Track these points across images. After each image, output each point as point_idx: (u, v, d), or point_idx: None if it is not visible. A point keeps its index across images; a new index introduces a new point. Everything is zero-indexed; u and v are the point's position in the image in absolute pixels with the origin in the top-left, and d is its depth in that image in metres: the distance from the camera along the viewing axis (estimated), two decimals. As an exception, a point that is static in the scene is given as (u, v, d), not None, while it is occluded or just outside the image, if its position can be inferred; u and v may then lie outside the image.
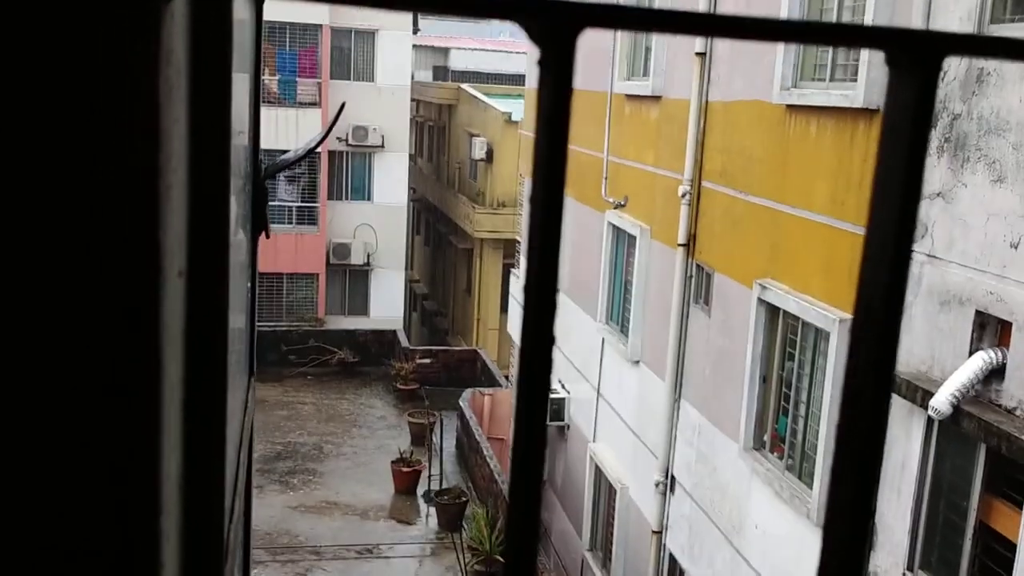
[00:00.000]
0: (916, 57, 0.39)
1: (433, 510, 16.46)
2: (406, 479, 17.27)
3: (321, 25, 25.27)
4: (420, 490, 17.31)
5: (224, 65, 0.60)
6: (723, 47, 9.90)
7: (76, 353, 0.44)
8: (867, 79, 7.29)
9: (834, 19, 8.02)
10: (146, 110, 0.41)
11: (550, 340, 0.40)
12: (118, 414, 0.45)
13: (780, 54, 8.53)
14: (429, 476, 17.28)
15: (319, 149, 24.90)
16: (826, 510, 0.46)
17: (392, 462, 17.52)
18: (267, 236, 1.72)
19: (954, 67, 6.43)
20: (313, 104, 25.20)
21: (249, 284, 1.57)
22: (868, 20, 7.29)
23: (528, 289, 0.39)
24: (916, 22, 6.74)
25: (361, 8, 0.35)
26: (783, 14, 8.47)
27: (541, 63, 0.38)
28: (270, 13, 26.43)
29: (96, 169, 0.42)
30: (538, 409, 0.42)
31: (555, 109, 0.38)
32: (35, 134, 0.41)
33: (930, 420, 6.36)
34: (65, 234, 0.42)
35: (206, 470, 0.69)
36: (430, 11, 0.37)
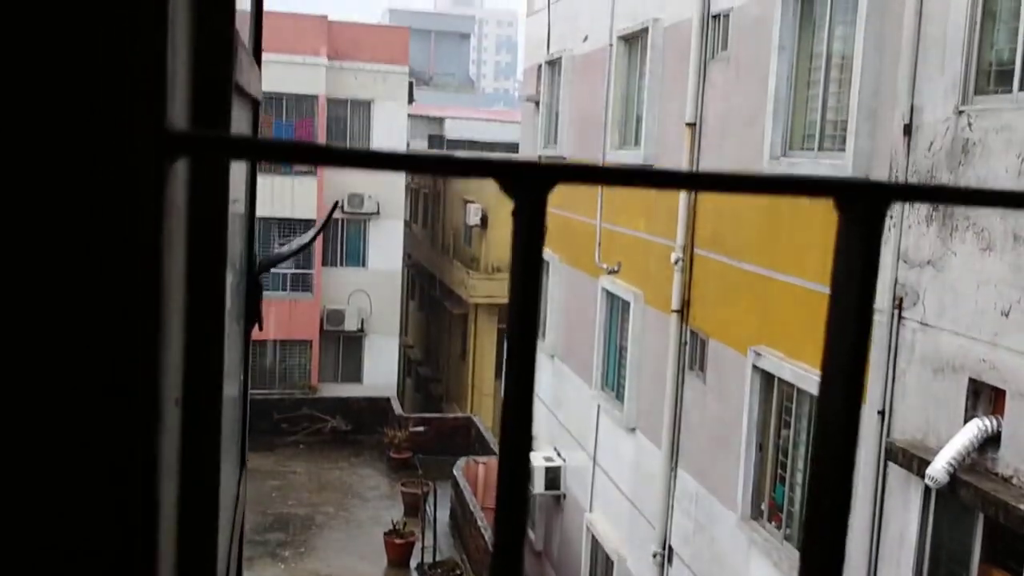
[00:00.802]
0: (862, 205, 0.42)
1: (427, 582, 16.18)
2: (399, 551, 17.00)
3: (317, 96, 25.66)
4: (413, 562, 17.03)
5: (220, 214, 0.63)
6: (713, 116, 10.08)
7: (71, 482, 0.46)
8: (855, 149, 7.42)
9: (820, 93, 8.19)
10: (147, 263, 0.44)
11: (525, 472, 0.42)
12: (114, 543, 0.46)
13: (769, 123, 8.69)
14: (423, 548, 17.01)
15: (315, 217, 25.08)
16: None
17: (385, 533, 17.27)
18: (260, 329, 1.74)
19: (939, 137, 6.55)
20: (309, 173, 25.45)
21: (242, 377, 1.59)
22: (854, 92, 7.44)
23: (503, 427, 0.41)
24: (902, 95, 6.89)
25: (353, 169, 0.37)
26: (770, 89, 8.65)
27: (514, 214, 0.40)
28: (266, 84, 26.86)
29: (97, 316, 0.44)
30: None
31: (527, 255, 0.40)
32: (44, 290, 0.43)
33: (927, 489, 6.33)
34: (74, 373, 0.45)
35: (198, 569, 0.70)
36: (419, 172, 0.39)
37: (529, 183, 0.39)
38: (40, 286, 0.45)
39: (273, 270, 25.90)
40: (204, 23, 0.58)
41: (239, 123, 1.21)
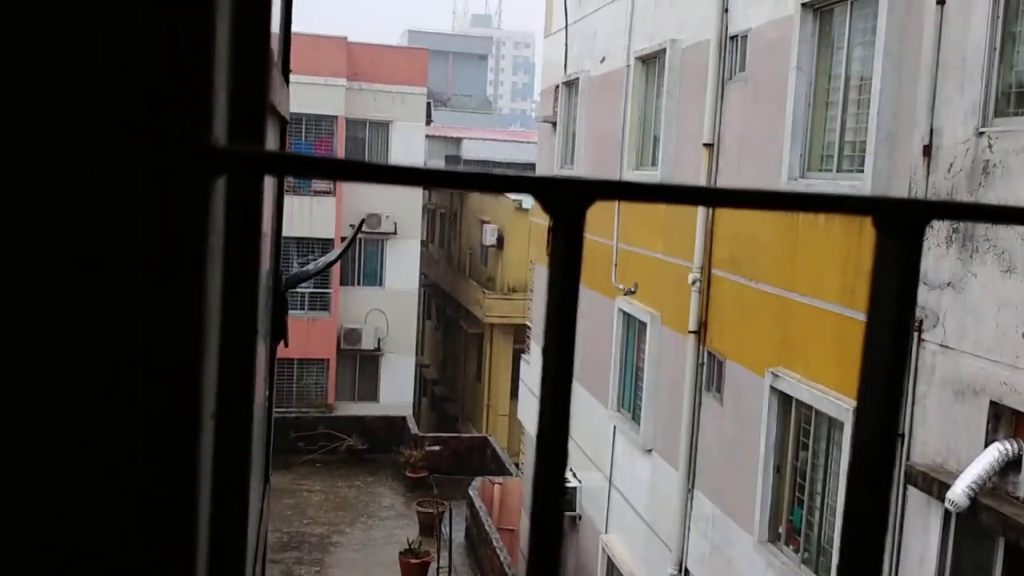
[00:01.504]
0: (901, 223, 0.42)
1: (442, 603, 16.10)
2: (414, 571, 16.93)
3: (337, 116, 25.84)
4: (429, 582, 16.96)
5: (255, 231, 0.64)
6: (731, 137, 10.08)
7: (116, 494, 0.47)
8: (874, 169, 7.39)
9: (839, 114, 8.18)
10: (193, 280, 0.44)
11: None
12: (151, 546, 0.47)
13: (787, 144, 8.68)
14: (438, 568, 16.93)
15: (333, 236, 25.21)
16: None
17: (400, 553, 17.21)
18: (286, 345, 1.75)
19: (959, 158, 6.52)
20: (328, 193, 25.59)
21: (268, 393, 1.59)
22: (873, 113, 7.42)
23: (540, 446, 0.41)
24: (921, 116, 6.87)
25: (389, 185, 0.38)
26: (788, 110, 8.64)
27: (552, 230, 0.41)
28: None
29: (145, 330, 0.45)
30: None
31: (566, 273, 0.40)
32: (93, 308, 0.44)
33: (947, 513, 6.25)
34: (121, 387, 0.45)
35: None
36: (457, 188, 0.40)
37: (568, 199, 0.39)
38: (88, 303, 0.45)
39: (291, 289, 26.01)
40: (242, 42, 0.59)
41: (270, 141, 1.22)
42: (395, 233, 26.75)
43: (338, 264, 26.23)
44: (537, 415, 0.44)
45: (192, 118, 0.44)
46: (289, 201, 24.83)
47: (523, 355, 18.95)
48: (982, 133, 6.29)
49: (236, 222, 0.56)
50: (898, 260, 0.42)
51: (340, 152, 26.01)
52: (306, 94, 25.03)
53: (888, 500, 0.46)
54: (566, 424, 0.41)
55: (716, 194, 0.42)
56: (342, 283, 26.49)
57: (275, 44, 1.62)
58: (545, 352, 0.44)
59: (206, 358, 0.49)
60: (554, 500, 0.41)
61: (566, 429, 0.42)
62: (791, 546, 8.65)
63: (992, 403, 6.04)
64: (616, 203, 12.99)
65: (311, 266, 3.25)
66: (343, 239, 26.20)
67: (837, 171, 8.20)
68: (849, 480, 0.47)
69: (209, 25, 0.45)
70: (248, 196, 0.60)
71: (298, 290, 25.88)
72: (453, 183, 0.39)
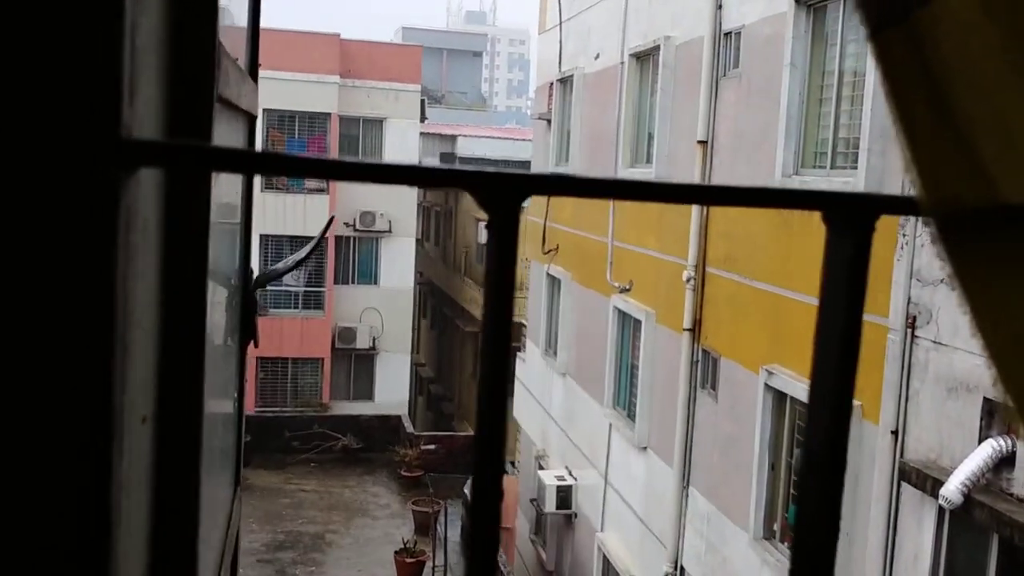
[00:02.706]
0: (850, 218, 0.41)
1: (438, 601, 16.10)
2: (410, 570, 16.92)
3: (330, 114, 25.79)
4: (425, 580, 16.96)
5: (200, 228, 0.62)
6: (725, 134, 10.07)
7: (29, 508, 0.45)
8: (868, 166, 7.38)
9: (832, 110, 8.17)
10: (100, 276, 0.42)
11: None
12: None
13: (781, 141, 8.67)
14: (433, 567, 16.93)
15: (327, 236, 25.17)
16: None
17: (395, 552, 17.20)
18: (256, 346, 1.73)
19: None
20: (320, 191, 25.55)
21: (236, 394, 1.57)
22: (867, 109, 7.42)
23: (478, 441, 0.40)
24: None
25: (317, 179, 0.36)
26: (782, 107, 8.63)
27: (488, 226, 0.39)
28: (279, 102, 26.76)
29: (47, 330, 0.43)
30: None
31: (500, 265, 0.39)
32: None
33: (941, 510, 6.25)
34: (24, 389, 0.43)
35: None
36: (387, 183, 0.38)
37: (501, 194, 0.37)
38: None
39: (285, 288, 25.99)
40: (184, 35, 0.57)
41: (230, 137, 1.20)
42: (390, 231, 26.71)
43: (332, 263, 26.21)
44: (476, 406, 0.42)
45: (97, 110, 0.42)
46: (282, 199, 24.86)
47: (519, 353, 18.96)
48: (974, 129, 6.29)
49: (178, 218, 0.55)
50: (848, 255, 0.41)
51: (334, 150, 25.98)
52: (299, 91, 24.99)
53: (840, 495, 0.45)
54: (504, 412, 0.40)
55: (658, 189, 0.41)
56: (336, 282, 26.45)
57: (241, 40, 1.59)
58: (482, 345, 0.43)
59: (129, 359, 0.47)
60: (492, 498, 0.40)
61: (504, 421, 0.40)
62: (786, 543, 8.65)
63: (986, 399, 6.04)
64: (611, 201, 13.02)
65: (280, 265, 3.23)
66: (336, 237, 26.17)
67: (831, 168, 8.20)
68: (800, 476, 0.46)
69: (116, 15, 0.43)
70: (189, 192, 0.58)
71: (291, 289, 25.85)
72: (379, 177, 0.37)
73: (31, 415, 0.44)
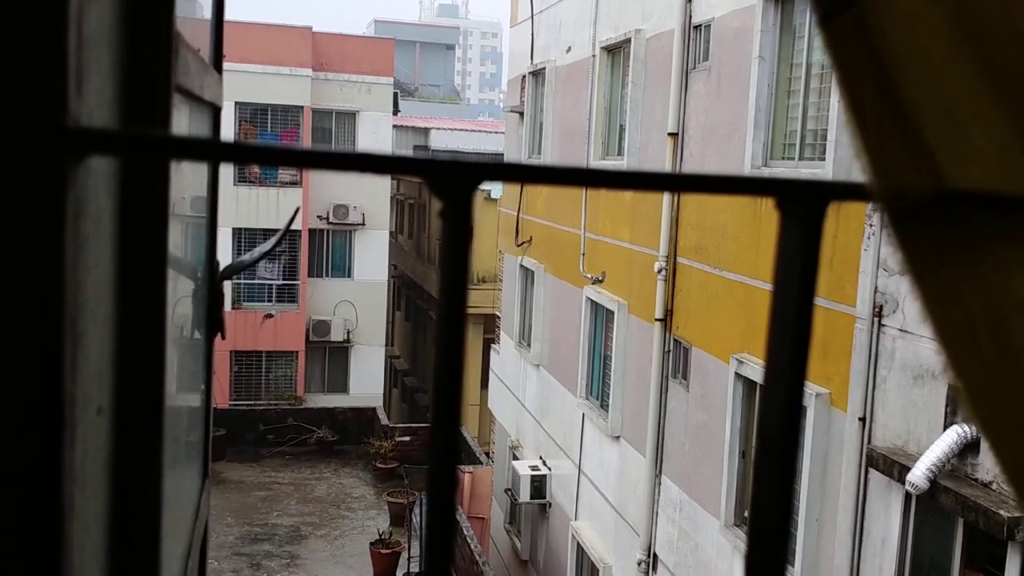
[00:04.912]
0: (802, 204, 0.42)
1: (413, 593, 16.11)
2: (385, 561, 16.92)
3: (303, 107, 25.62)
4: (400, 572, 16.96)
5: (158, 218, 0.62)
6: (695, 126, 10.12)
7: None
8: (835, 157, 7.45)
9: (801, 102, 8.23)
10: (45, 266, 0.42)
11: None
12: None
13: (750, 132, 8.73)
14: (409, 558, 16.94)
15: (300, 228, 25.02)
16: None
17: (371, 544, 17.19)
18: (223, 338, 1.72)
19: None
20: (294, 184, 25.39)
21: (204, 387, 1.57)
22: (834, 102, 7.48)
23: (434, 429, 0.41)
24: (880, 103, 6.92)
25: (270, 166, 0.37)
26: (751, 99, 8.68)
27: (441, 214, 0.40)
28: (252, 95, 26.55)
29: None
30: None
31: (454, 255, 0.40)
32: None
33: (908, 495, 6.35)
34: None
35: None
36: (340, 170, 0.38)
37: (454, 181, 0.38)
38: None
39: (259, 281, 25.81)
40: (138, 24, 0.57)
41: (193, 127, 1.20)
42: (363, 224, 26.61)
43: (305, 255, 26.07)
44: (431, 400, 0.43)
45: (41, 99, 0.42)
46: (255, 192, 24.68)
47: (493, 345, 18.96)
48: (941, 120, 6.36)
49: (134, 208, 0.54)
50: (800, 241, 0.41)
51: (307, 143, 25.80)
52: (271, 84, 24.81)
53: (792, 478, 0.46)
54: (458, 407, 0.40)
55: (616, 177, 0.41)
56: (310, 275, 26.33)
57: (205, 31, 1.58)
58: (437, 334, 0.44)
59: (82, 349, 0.47)
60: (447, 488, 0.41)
61: (458, 413, 0.41)
62: (757, 531, 8.74)
63: (951, 386, 6.13)
64: (583, 192, 13.02)
65: (247, 256, 3.22)
66: (310, 230, 26.03)
67: (800, 159, 8.27)
68: (755, 460, 0.47)
69: (59, 3, 0.43)
70: (145, 181, 0.58)
71: (265, 282, 25.69)
72: (332, 165, 0.37)
73: None
